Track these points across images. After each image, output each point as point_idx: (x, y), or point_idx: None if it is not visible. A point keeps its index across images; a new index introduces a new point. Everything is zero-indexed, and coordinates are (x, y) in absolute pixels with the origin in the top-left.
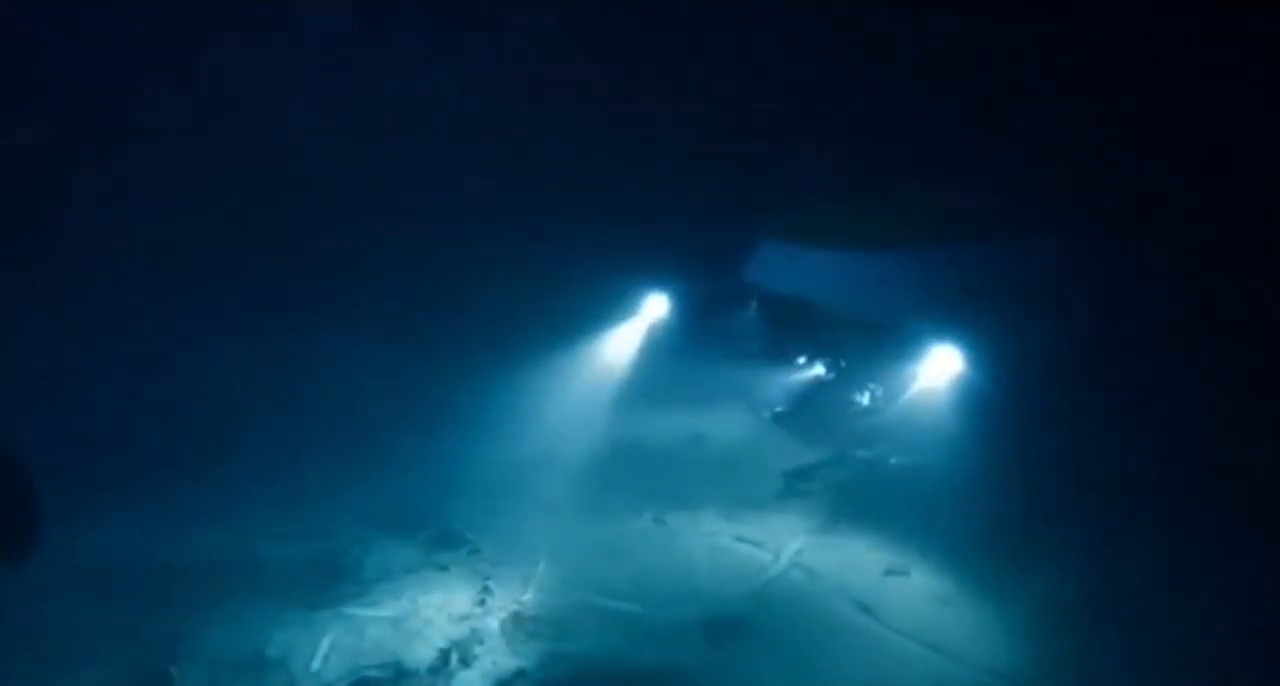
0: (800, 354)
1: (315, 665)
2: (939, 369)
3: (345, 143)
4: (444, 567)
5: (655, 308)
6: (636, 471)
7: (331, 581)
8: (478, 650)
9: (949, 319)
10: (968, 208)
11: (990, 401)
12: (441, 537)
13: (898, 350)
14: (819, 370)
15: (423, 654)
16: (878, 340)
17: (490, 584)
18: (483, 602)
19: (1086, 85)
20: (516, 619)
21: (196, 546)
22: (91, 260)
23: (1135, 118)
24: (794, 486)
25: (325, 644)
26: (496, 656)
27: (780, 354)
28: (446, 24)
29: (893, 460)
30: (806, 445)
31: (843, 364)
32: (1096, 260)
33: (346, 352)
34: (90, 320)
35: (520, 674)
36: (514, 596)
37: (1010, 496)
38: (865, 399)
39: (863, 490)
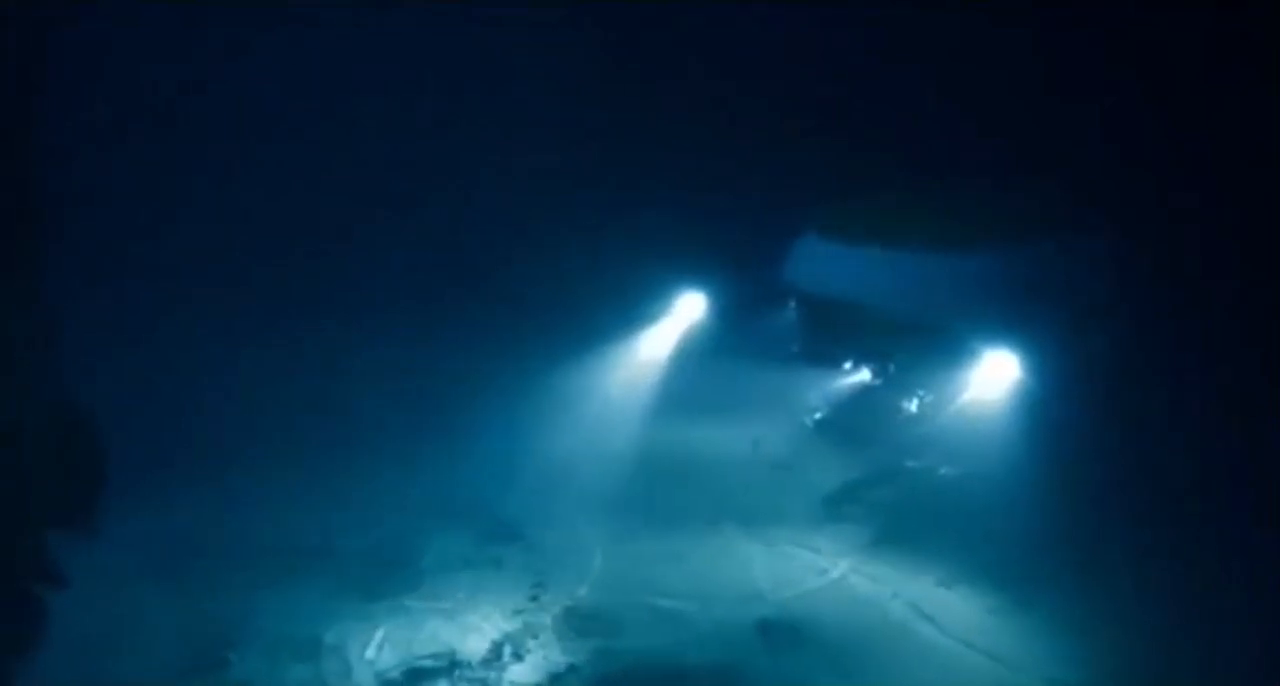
0: (847, 358)
1: (370, 653)
2: (992, 375)
3: (377, 143)
4: (499, 561)
5: (690, 308)
6: (674, 484)
7: (388, 572)
8: (530, 644)
9: (1004, 323)
10: (1027, 208)
11: (1046, 410)
12: (497, 531)
13: (949, 355)
14: (866, 375)
15: (476, 646)
16: (928, 345)
17: (544, 579)
18: (536, 597)
19: (1150, 85)
20: (570, 614)
21: (256, 533)
22: (157, 257)
23: (1205, 115)
24: (839, 510)
25: (380, 633)
26: (549, 651)
27: (823, 357)
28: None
29: (943, 470)
30: (852, 457)
31: (891, 369)
32: (1164, 264)
33: (396, 349)
34: (162, 313)
35: (572, 669)
36: (568, 592)
37: (1066, 509)
38: (914, 406)
39: (912, 511)
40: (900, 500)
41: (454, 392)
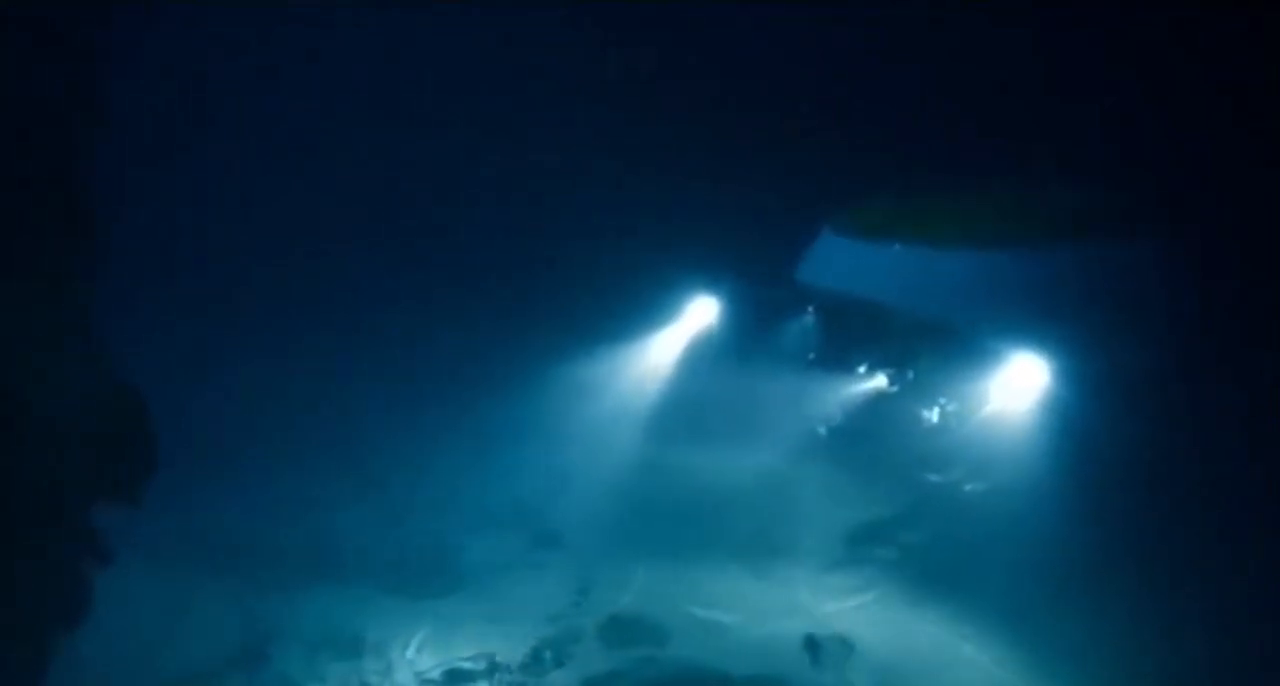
0: (861, 362)
1: (410, 653)
2: (1019, 383)
3: (390, 143)
4: (541, 566)
5: (702, 313)
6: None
7: (430, 573)
8: (571, 649)
9: (1035, 328)
10: (1067, 206)
11: (1078, 423)
12: (541, 537)
13: (974, 361)
14: (881, 381)
15: (516, 650)
16: (951, 349)
17: (587, 585)
18: (578, 603)
19: (1200, 79)
20: (612, 622)
21: (301, 531)
22: (206, 256)
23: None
24: (861, 551)
25: (421, 634)
26: (590, 657)
27: (841, 363)
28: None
29: (967, 486)
30: (869, 473)
31: (910, 375)
32: (1210, 269)
33: (436, 349)
34: (212, 313)
35: (614, 675)
36: (611, 599)
37: (1099, 534)
38: (935, 415)
39: (936, 554)
40: (928, 543)
41: (486, 392)
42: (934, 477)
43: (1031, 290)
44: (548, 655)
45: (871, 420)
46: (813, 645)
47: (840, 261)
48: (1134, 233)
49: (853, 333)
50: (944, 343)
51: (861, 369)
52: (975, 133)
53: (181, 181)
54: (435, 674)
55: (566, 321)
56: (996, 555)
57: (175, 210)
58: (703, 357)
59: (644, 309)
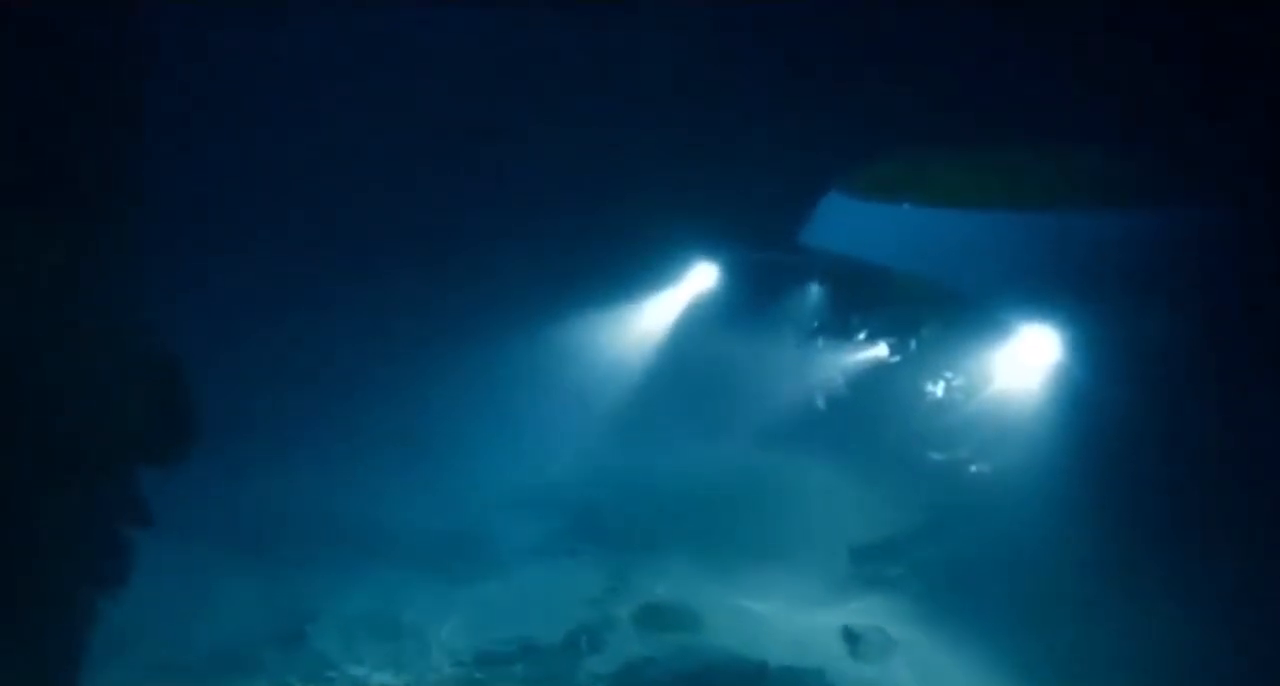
0: (860, 328)
1: (446, 635)
2: (1030, 358)
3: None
4: (578, 552)
5: (701, 278)
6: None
7: (467, 556)
8: (607, 635)
9: (1050, 298)
10: (1093, 169)
11: (1094, 401)
12: (577, 522)
13: (981, 332)
14: (880, 350)
15: (552, 634)
16: (957, 319)
17: (624, 571)
18: (615, 589)
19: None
20: (649, 609)
21: (340, 511)
22: (253, 235)
23: None
24: (870, 570)
25: (458, 616)
26: (627, 643)
27: (844, 331)
28: None
29: (973, 467)
30: (869, 452)
31: (912, 345)
32: (1244, 242)
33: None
34: (258, 288)
35: (649, 662)
36: (648, 586)
37: (1117, 528)
38: (940, 390)
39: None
40: (943, 562)
41: (513, 370)
42: (936, 456)
43: (1046, 257)
44: (583, 640)
45: (871, 393)
46: (851, 637)
47: (845, 223)
48: (1163, 201)
49: (856, 299)
50: (950, 311)
51: (861, 336)
52: (992, 89)
53: (227, 152)
54: (471, 656)
55: (578, 291)
56: (1006, 552)
57: (216, 183)
58: (714, 328)
59: (645, 279)
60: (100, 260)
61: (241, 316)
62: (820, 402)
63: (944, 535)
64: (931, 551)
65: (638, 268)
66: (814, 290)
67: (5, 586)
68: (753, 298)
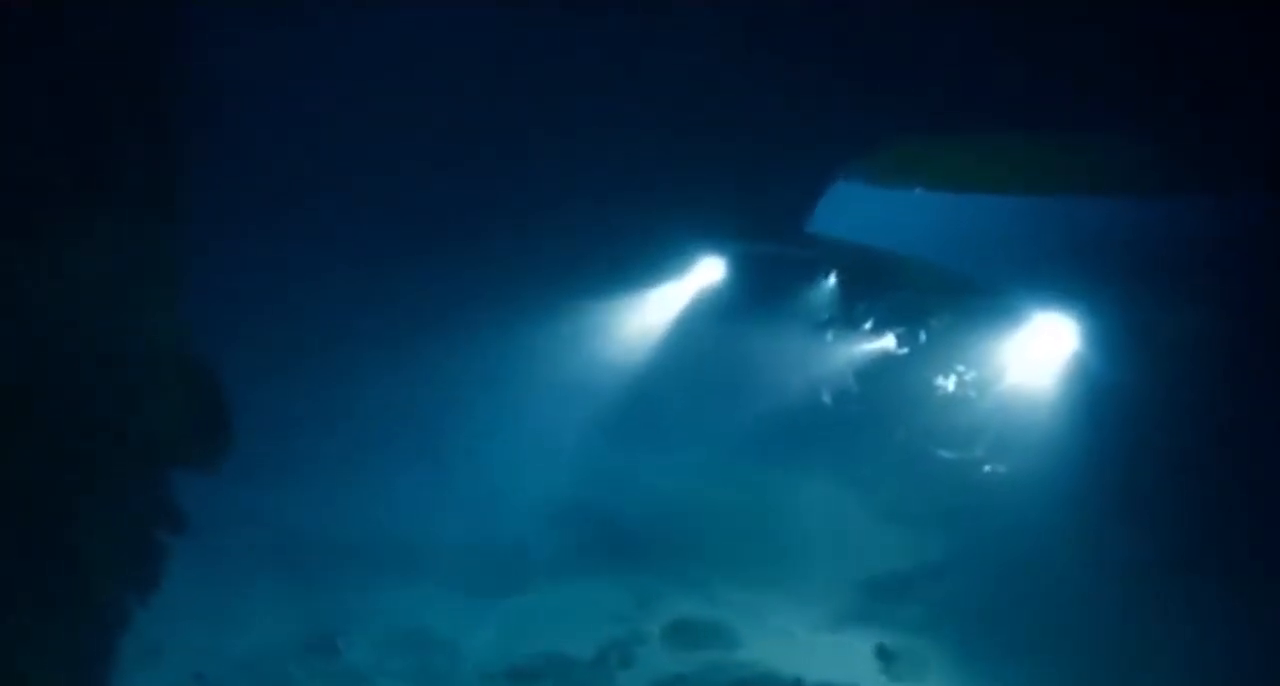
0: (866, 318)
1: (477, 649)
2: (1047, 349)
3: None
4: (605, 566)
5: (708, 272)
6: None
7: (497, 569)
8: (637, 651)
9: (1067, 286)
10: (1113, 154)
11: (1117, 397)
12: (605, 536)
13: (995, 323)
14: (888, 342)
15: (581, 649)
16: (970, 308)
17: (654, 587)
18: (644, 604)
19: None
20: (679, 624)
21: (372, 524)
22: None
23: None
24: (884, 605)
25: (487, 630)
26: (657, 659)
27: (849, 322)
28: None
29: (986, 468)
30: (877, 449)
31: (921, 336)
32: (1274, 230)
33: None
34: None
35: (680, 679)
36: (677, 601)
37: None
38: (951, 384)
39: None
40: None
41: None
42: (946, 455)
43: (1065, 243)
44: (613, 656)
45: (884, 391)
46: (885, 655)
47: (855, 212)
48: (1189, 188)
49: (866, 289)
50: (962, 300)
51: (867, 325)
52: (1006, 73)
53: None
54: (501, 670)
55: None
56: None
57: (253, 186)
58: (724, 325)
59: (651, 275)
60: (141, 262)
61: (274, 323)
62: (834, 401)
63: (961, 569)
64: (950, 585)
65: (644, 264)
66: (823, 282)
67: (40, 585)
68: (762, 292)
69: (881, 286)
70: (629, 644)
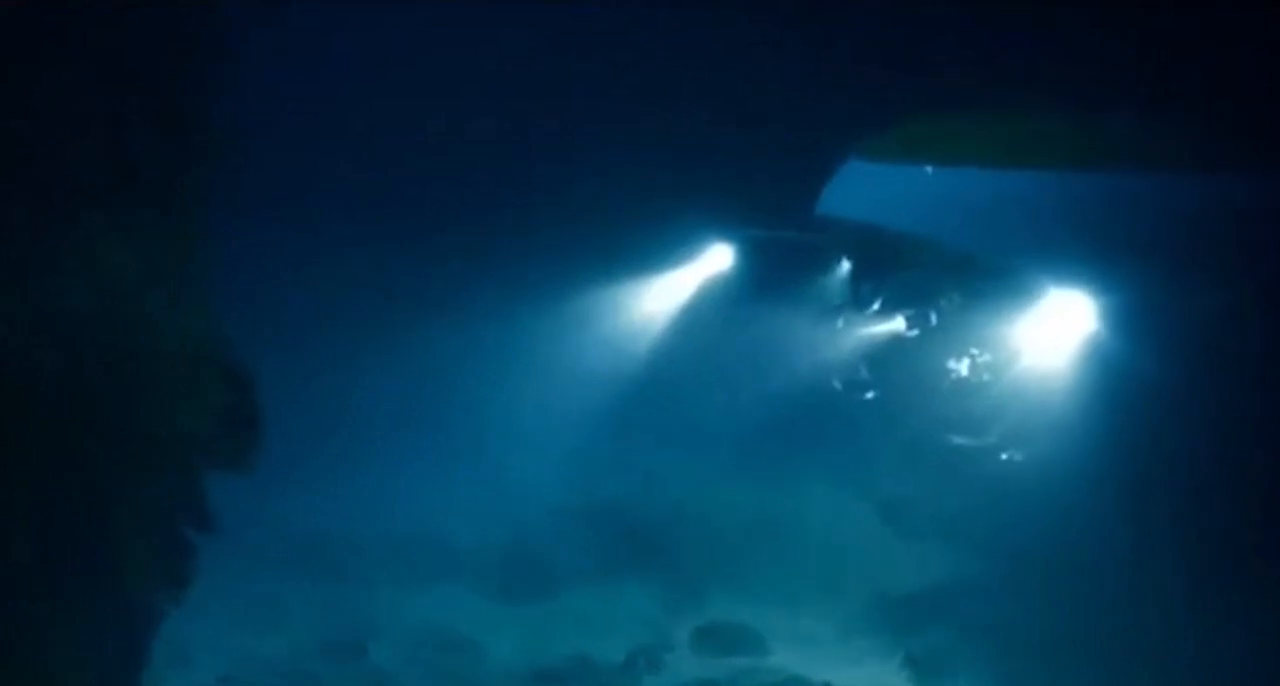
0: (873, 298)
1: (505, 652)
2: (1065, 329)
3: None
4: (638, 571)
5: (717, 258)
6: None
7: (526, 572)
8: (665, 656)
9: (1087, 265)
10: (1137, 128)
11: (1137, 380)
12: (631, 539)
13: (1010, 302)
14: (897, 323)
15: (609, 653)
16: (984, 287)
17: (684, 592)
18: (674, 610)
19: None
20: (707, 629)
21: (402, 527)
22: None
23: None
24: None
25: (515, 633)
26: (685, 665)
27: (859, 306)
28: None
29: (1003, 455)
30: (887, 434)
31: (933, 318)
32: None
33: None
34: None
35: (708, 683)
36: (705, 606)
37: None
38: (964, 368)
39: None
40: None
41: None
42: (960, 441)
43: (1095, 223)
44: (641, 660)
45: (891, 374)
46: (913, 661)
47: (864, 190)
48: (1214, 165)
49: (875, 271)
50: (974, 279)
51: (875, 306)
52: (1024, 40)
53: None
54: (529, 673)
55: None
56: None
57: (286, 186)
58: (737, 314)
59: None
60: (176, 262)
61: (288, 319)
62: (846, 389)
63: (987, 576)
64: (976, 593)
65: (652, 251)
66: (833, 267)
67: (73, 585)
68: (772, 278)
69: (892, 268)
70: (657, 649)
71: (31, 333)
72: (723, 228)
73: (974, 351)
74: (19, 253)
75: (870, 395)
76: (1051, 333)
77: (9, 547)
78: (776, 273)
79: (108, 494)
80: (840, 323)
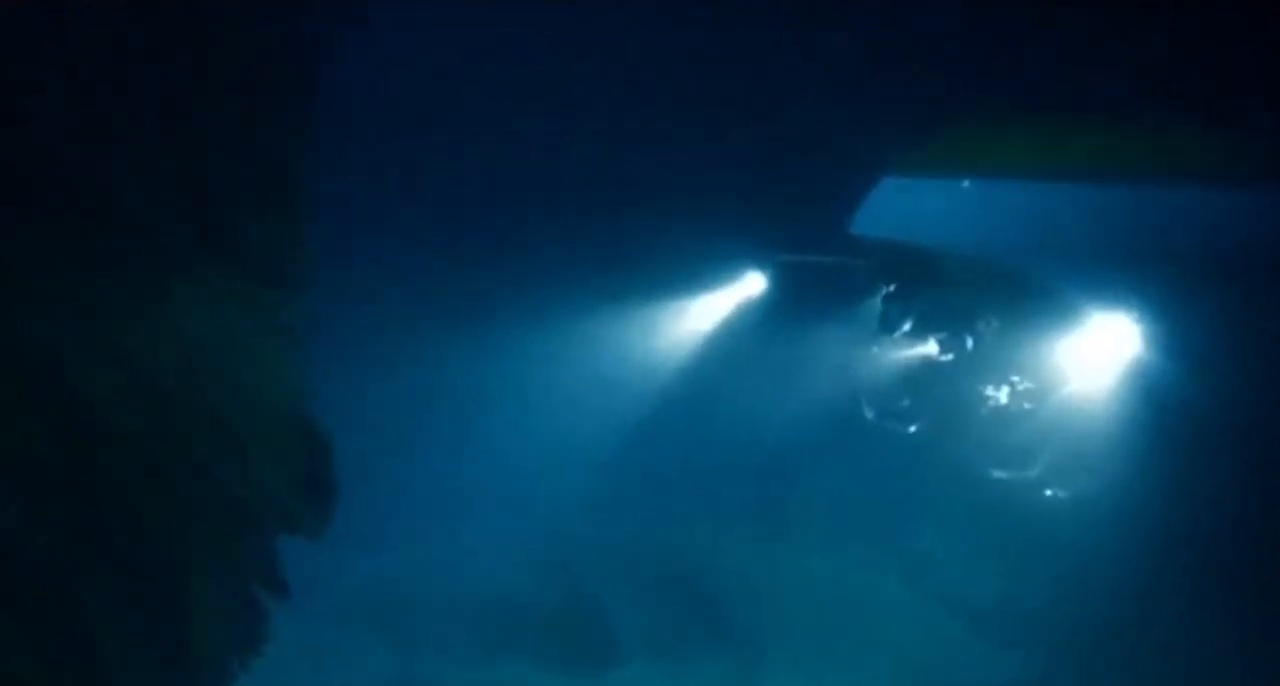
0: (903, 321)
1: None
2: (1111, 355)
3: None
4: (703, 644)
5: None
6: None
7: (584, 646)
8: None
9: (1136, 286)
10: (1193, 142)
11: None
12: (697, 613)
13: (1054, 325)
14: (929, 348)
15: None
16: (1025, 309)
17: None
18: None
19: None
20: None
21: (461, 588)
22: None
23: None
24: None
25: None
26: None
27: (893, 329)
28: None
29: (1047, 491)
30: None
31: (969, 343)
32: None
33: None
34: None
35: None
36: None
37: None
38: (1004, 396)
39: None
40: None
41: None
42: (1000, 475)
43: (1131, 236)
44: None
45: (924, 401)
46: None
47: (898, 206)
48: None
49: (912, 293)
50: (1015, 301)
51: (905, 327)
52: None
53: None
54: None
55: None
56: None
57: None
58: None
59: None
60: (260, 323)
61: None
62: (882, 418)
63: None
64: None
65: (690, 274)
66: (870, 291)
67: (146, 643)
68: (808, 302)
69: (930, 289)
70: None
71: (119, 394)
72: (760, 250)
73: (1015, 378)
74: (108, 317)
75: (914, 428)
76: (1097, 358)
77: (85, 606)
78: (813, 296)
79: (186, 556)
80: (876, 348)
